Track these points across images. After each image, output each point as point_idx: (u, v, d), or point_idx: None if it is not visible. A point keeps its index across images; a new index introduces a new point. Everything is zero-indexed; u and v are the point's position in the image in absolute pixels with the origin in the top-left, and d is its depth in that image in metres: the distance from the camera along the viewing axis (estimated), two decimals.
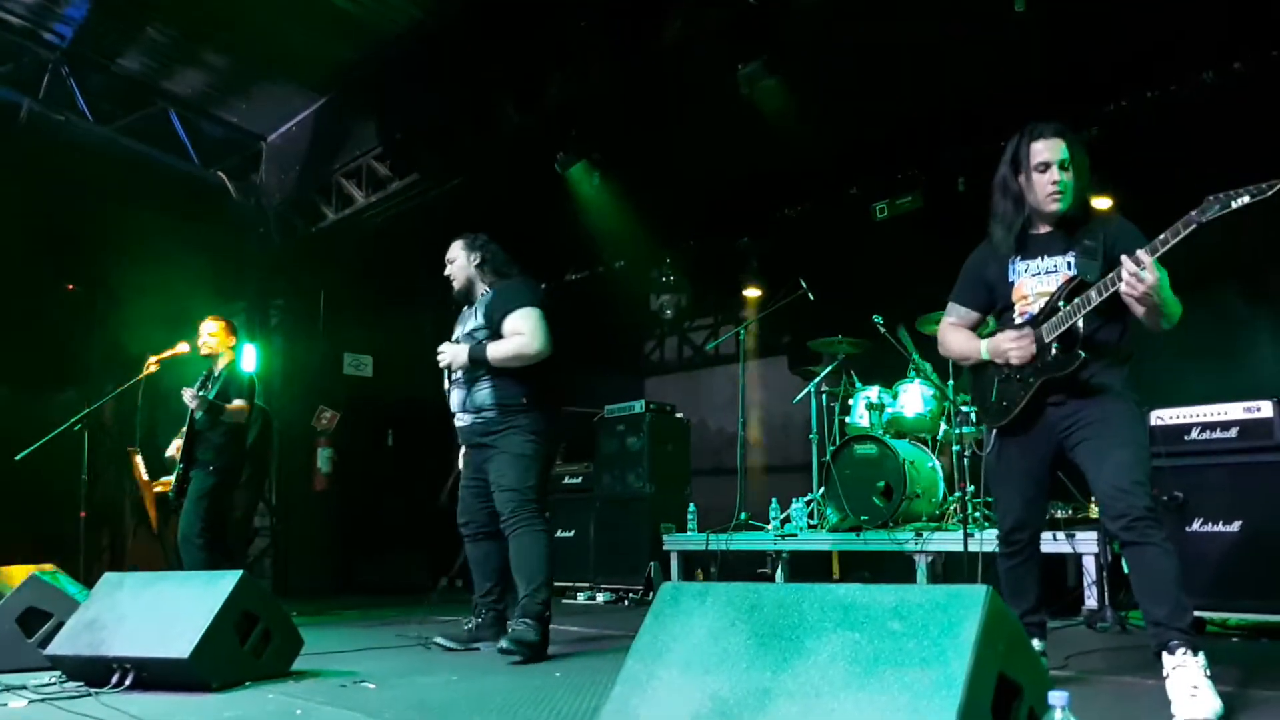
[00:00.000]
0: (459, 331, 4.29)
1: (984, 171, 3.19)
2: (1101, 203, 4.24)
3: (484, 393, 4.11)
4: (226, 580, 3.31)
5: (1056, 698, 1.62)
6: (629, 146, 6.78)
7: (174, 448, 5.53)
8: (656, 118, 6.32)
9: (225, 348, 5.58)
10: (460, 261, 4.30)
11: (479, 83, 6.15)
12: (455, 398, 4.22)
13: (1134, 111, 5.88)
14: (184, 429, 5.41)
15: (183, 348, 5.64)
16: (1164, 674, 2.59)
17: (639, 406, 7.08)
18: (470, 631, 4.21)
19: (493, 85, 6.12)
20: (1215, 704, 2.46)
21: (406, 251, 7.94)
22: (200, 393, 5.24)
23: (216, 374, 5.45)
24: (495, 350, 4.07)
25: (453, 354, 4.17)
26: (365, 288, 8.45)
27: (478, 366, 4.10)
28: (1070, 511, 5.13)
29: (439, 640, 4.19)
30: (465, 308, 4.34)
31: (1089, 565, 4.79)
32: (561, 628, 4.76)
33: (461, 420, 4.22)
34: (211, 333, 5.57)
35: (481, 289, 4.28)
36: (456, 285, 4.31)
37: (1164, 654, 2.60)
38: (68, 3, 6.51)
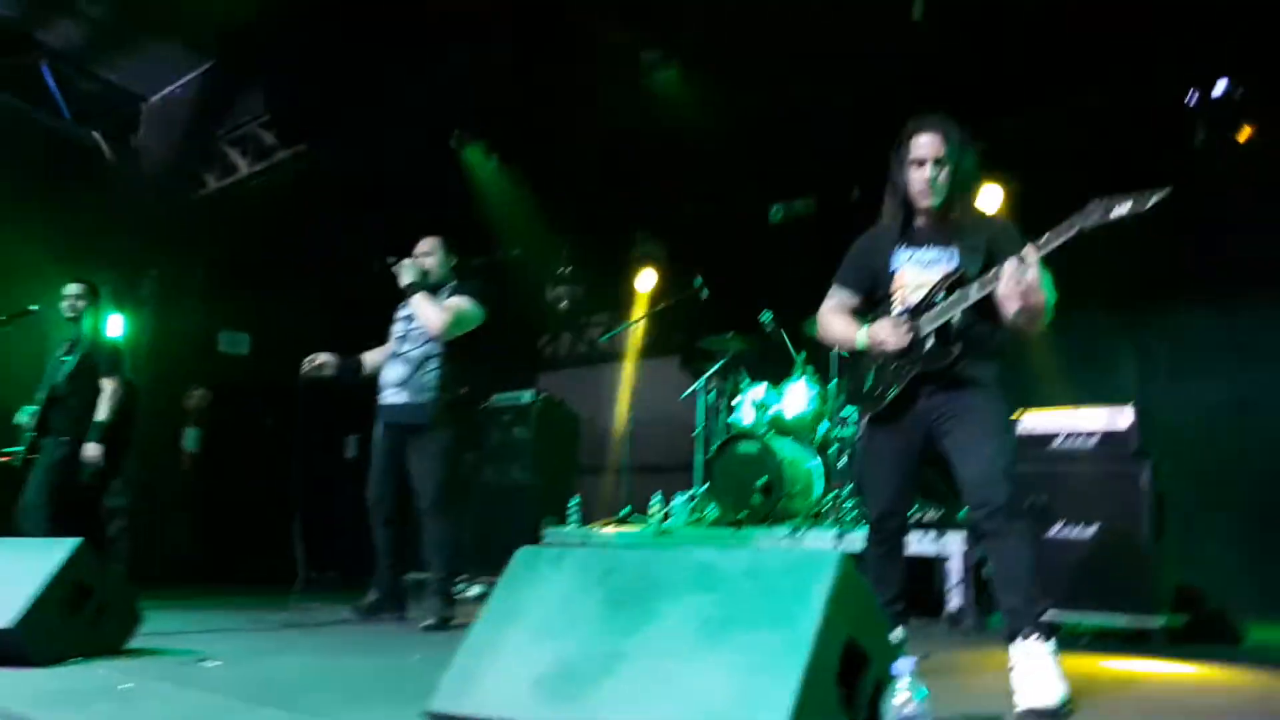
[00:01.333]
0: (402, 314, 4.58)
1: (877, 180, 3.23)
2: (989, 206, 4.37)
3: (432, 375, 4.36)
4: (60, 548, 3.09)
5: (903, 664, 1.61)
6: (528, 132, 6.68)
7: (26, 414, 5.24)
8: (557, 103, 6.23)
9: (86, 312, 5.33)
10: (439, 258, 4.56)
11: (373, 52, 5.95)
12: (397, 372, 4.42)
13: (1027, 125, 6.07)
14: (40, 395, 5.17)
15: (32, 308, 5.34)
16: (1011, 662, 2.63)
17: (527, 396, 6.98)
18: (374, 603, 4.47)
19: (387, 55, 5.93)
20: (1060, 690, 2.50)
21: (293, 226, 7.64)
22: (64, 356, 5.03)
23: (79, 340, 5.21)
24: (423, 300, 4.33)
25: (410, 265, 4.41)
26: (246, 262, 8.05)
27: (411, 291, 4.36)
28: (940, 513, 5.25)
29: (346, 613, 4.42)
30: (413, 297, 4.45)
31: (954, 567, 4.90)
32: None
33: (396, 397, 4.41)
34: (77, 296, 5.30)
35: (449, 286, 4.54)
36: (431, 277, 4.49)
37: (1015, 640, 2.64)
38: None
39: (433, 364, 4.37)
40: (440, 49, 5.75)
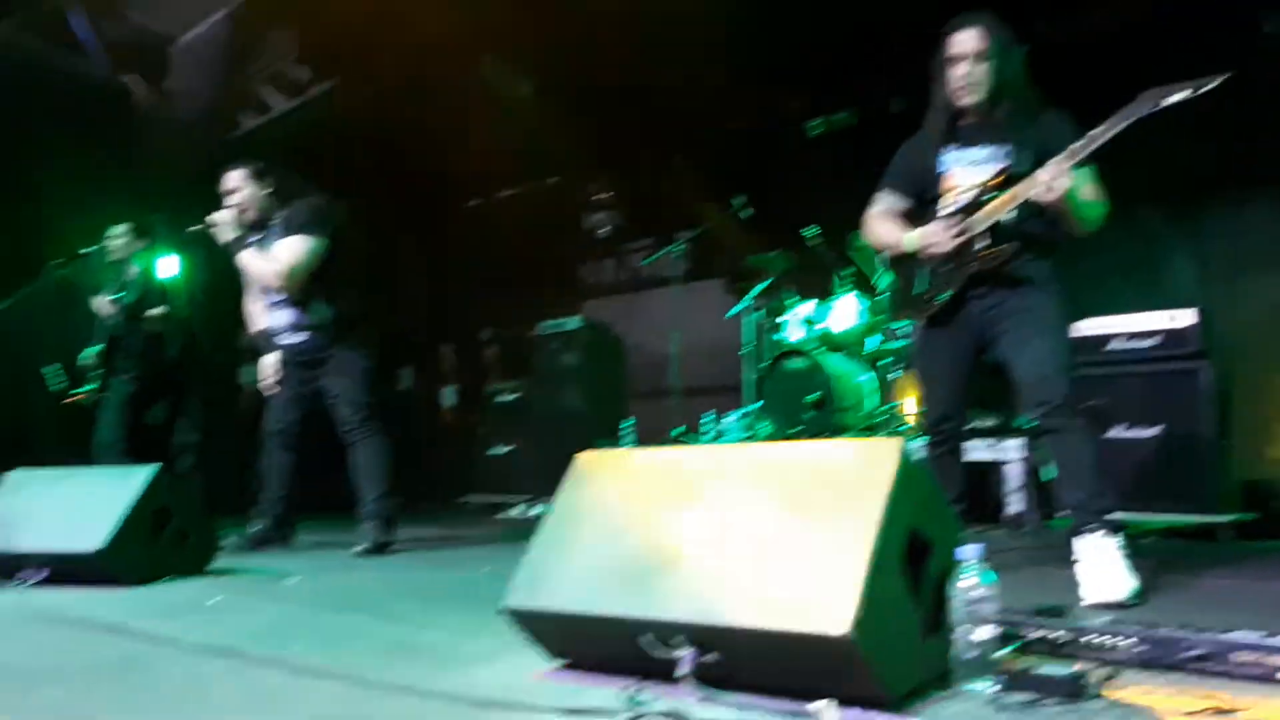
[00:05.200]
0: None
1: (917, 90, 3.15)
2: None
3: (319, 306, 4.14)
4: (140, 475, 3.21)
5: (969, 550, 1.63)
6: (560, 56, 6.56)
7: (91, 355, 5.38)
8: (590, 22, 6.09)
9: (136, 252, 5.43)
10: (249, 192, 4.16)
11: None
12: (284, 317, 4.21)
13: (1072, 31, 5.84)
14: (99, 336, 5.30)
15: (87, 250, 5.44)
16: (1076, 557, 2.63)
17: (574, 323, 7.01)
18: (259, 534, 4.24)
19: None
20: (1130, 584, 2.50)
21: (331, 160, 7.65)
22: (116, 296, 5.12)
23: (131, 280, 5.31)
24: (251, 257, 4.09)
25: (225, 219, 4.15)
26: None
27: (234, 250, 4.13)
28: (997, 421, 5.22)
29: (233, 541, 4.08)
30: (254, 238, 4.17)
31: (1013, 472, 4.90)
32: (493, 536, 4.79)
33: (296, 337, 4.22)
34: (118, 237, 5.41)
35: (276, 217, 4.18)
36: (248, 217, 4.16)
37: (1079, 536, 2.64)
38: None
39: (316, 297, 4.14)
40: None
